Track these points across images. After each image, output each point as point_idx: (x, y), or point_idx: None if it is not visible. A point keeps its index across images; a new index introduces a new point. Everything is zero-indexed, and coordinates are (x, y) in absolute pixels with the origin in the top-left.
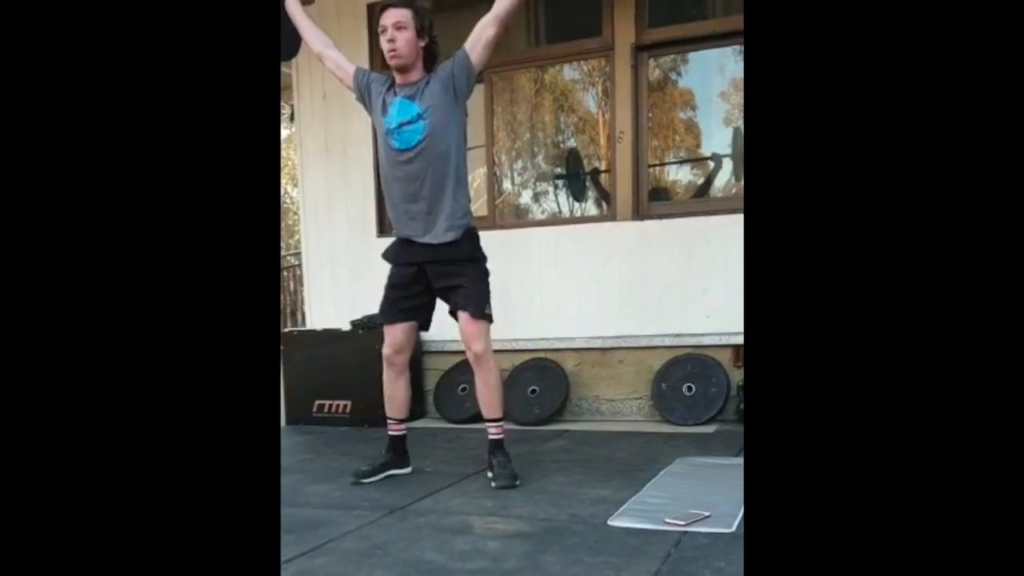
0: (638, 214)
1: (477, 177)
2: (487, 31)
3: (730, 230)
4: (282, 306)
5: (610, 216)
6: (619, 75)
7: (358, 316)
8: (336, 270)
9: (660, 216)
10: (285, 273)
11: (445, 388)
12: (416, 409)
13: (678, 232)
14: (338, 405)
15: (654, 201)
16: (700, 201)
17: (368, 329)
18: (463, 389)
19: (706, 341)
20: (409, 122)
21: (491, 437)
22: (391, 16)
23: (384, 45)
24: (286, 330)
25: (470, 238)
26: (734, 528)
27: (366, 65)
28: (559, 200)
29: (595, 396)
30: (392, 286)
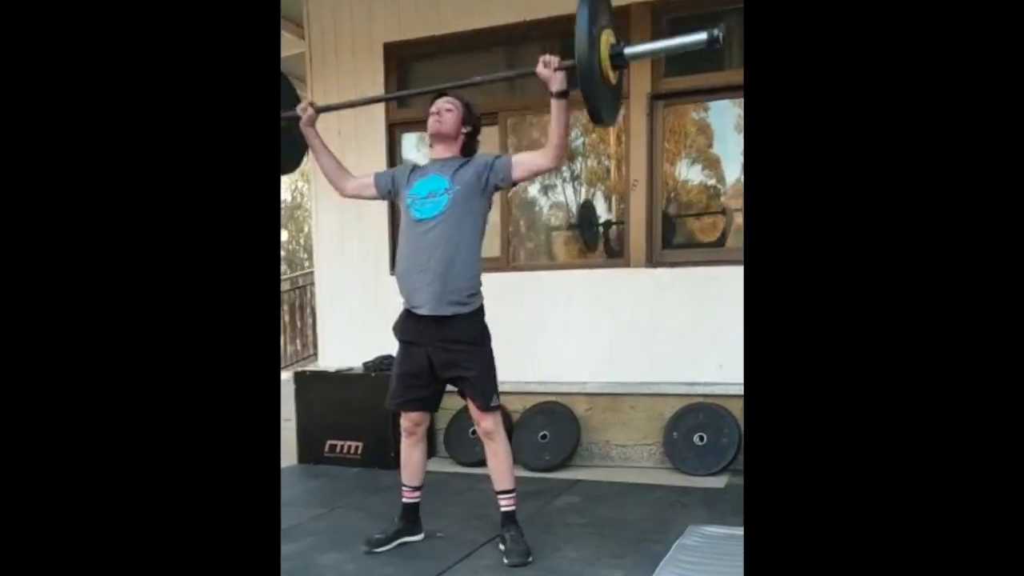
0: (651, 261)
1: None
2: (537, 162)
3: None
4: (293, 302)
5: (623, 263)
6: (634, 123)
7: (371, 356)
8: (350, 307)
9: (674, 264)
10: (288, 270)
11: (456, 429)
12: (429, 448)
13: (692, 280)
14: (350, 446)
15: (667, 248)
16: (714, 251)
17: (380, 371)
18: (473, 432)
19: (718, 391)
20: (434, 194)
21: (503, 509)
22: (443, 101)
23: (430, 120)
24: (299, 369)
25: (475, 318)
26: None
27: (381, 106)
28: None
29: (606, 441)
30: (401, 375)
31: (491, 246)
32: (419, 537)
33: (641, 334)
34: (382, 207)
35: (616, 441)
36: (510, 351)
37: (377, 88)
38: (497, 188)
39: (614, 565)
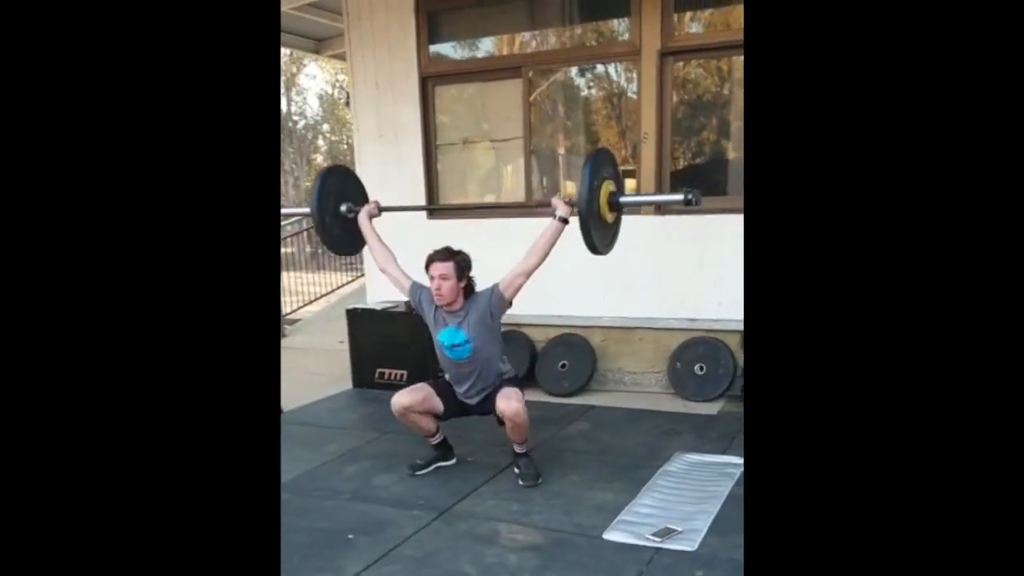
0: (660, 209)
1: (512, 171)
2: (519, 280)
3: (743, 228)
4: None
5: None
6: (645, 78)
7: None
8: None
9: (680, 212)
10: None
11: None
12: None
13: (696, 228)
14: (395, 374)
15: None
16: (717, 199)
17: None
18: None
19: (717, 326)
20: (457, 345)
21: (516, 452)
22: (437, 269)
23: (432, 289)
24: (349, 307)
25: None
26: (695, 548)
27: (413, 49)
28: None
29: (619, 368)
30: (443, 392)
31: (516, 193)
32: (452, 462)
33: (650, 274)
34: (418, 162)
35: (627, 369)
36: (533, 288)
37: (408, 39)
38: (503, 312)
39: (607, 488)
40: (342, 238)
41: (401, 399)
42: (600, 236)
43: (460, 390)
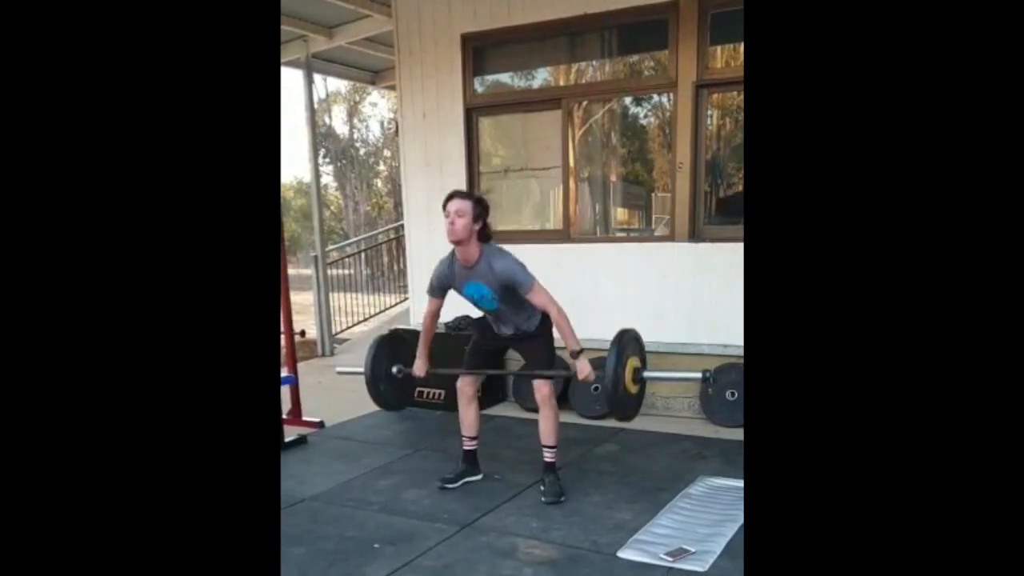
0: (694, 236)
1: (553, 199)
2: (544, 309)
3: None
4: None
5: (669, 236)
6: (680, 109)
7: (451, 318)
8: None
9: (713, 239)
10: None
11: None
12: (499, 393)
13: (729, 254)
14: (434, 393)
15: (709, 225)
16: None
17: (458, 331)
18: None
19: None
20: (484, 297)
21: (546, 460)
22: (454, 205)
23: (446, 225)
24: (394, 327)
25: (540, 327)
26: (706, 568)
27: (459, 82)
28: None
29: (652, 392)
30: (474, 352)
31: (557, 219)
32: (479, 477)
33: (684, 300)
34: (462, 182)
35: (660, 393)
36: (569, 311)
37: (455, 73)
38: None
39: (627, 509)
40: (391, 396)
41: (465, 382)
42: (628, 404)
43: (497, 329)
